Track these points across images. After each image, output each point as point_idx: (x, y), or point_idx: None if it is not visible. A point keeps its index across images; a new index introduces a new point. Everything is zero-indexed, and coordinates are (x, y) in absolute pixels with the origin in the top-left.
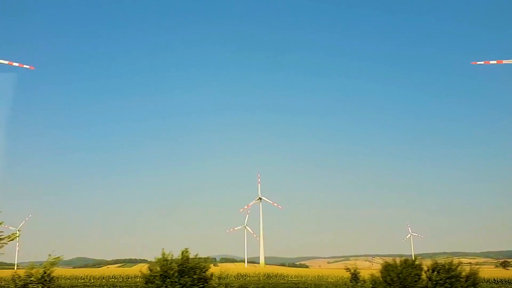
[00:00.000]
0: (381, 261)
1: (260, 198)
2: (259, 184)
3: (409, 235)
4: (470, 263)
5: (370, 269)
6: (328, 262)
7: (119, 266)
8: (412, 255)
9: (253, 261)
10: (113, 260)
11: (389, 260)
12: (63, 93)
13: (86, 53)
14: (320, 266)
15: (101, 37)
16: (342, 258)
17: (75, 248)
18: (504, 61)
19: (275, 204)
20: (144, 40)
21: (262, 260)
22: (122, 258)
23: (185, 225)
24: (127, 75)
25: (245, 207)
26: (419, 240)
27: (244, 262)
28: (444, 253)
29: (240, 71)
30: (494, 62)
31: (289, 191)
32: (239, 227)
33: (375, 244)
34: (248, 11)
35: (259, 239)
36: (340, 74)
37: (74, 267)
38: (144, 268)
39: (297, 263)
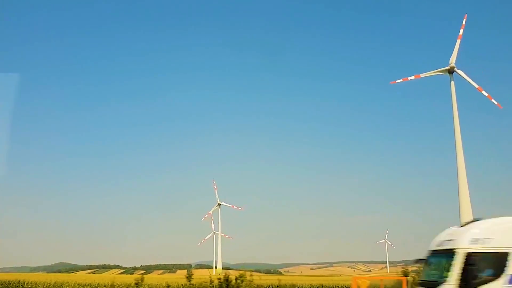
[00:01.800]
0: (364, 268)
1: (219, 204)
2: (216, 191)
3: (383, 240)
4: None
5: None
6: (312, 269)
7: (91, 272)
8: (387, 261)
9: (228, 267)
10: (87, 265)
11: (371, 266)
12: (61, 96)
13: (85, 55)
14: (302, 272)
15: (99, 40)
16: (326, 265)
17: (57, 253)
18: (422, 75)
19: (234, 207)
20: (141, 42)
21: (219, 266)
22: (96, 263)
23: (164, 232)
24: (123, 77)
25: (206, 216)
26: (399, 246)
27: (219, 268)
28: None
29: (236, 74)
30: (412, 77)
31: (275, 196)
32: (209, 235)
33: (358, 251)
34: (246, 14)
35: (218, 244)
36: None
37: (47, 272)
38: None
39: (272, 270)
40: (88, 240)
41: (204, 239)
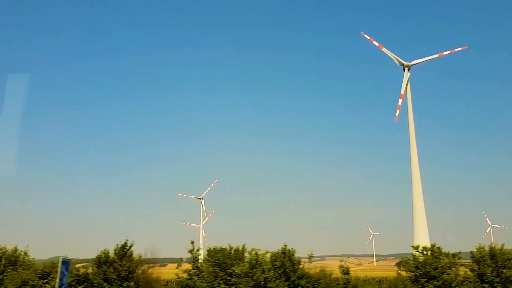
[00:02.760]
0: (355, 261)
1: (200, 198)
2: (210, 188)
3: (371, 236)
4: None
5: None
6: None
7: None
8: (373, 255)
9: None
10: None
11: (362, 260)
12: (66, 93)
13: (85, 52)
14: None
15: (104, 36)
16: (319, 258)
17: (54, 246)
18: (384, 49)
19: (206, 212)
20: (145, 40)
21: (201, 261)
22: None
23: (157, 225)
24: (127, 76)
25: (184, 195)
26: (385, 240)
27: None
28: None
29: (239, 72)
30: (376, 44)
31: (269, 187)
32: (195, 225)
33: (351, 245)
34: (249, 12)
35: (199, 238)
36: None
37: None
38: None
39: None
40: (82, 234)
41: (189, 223)
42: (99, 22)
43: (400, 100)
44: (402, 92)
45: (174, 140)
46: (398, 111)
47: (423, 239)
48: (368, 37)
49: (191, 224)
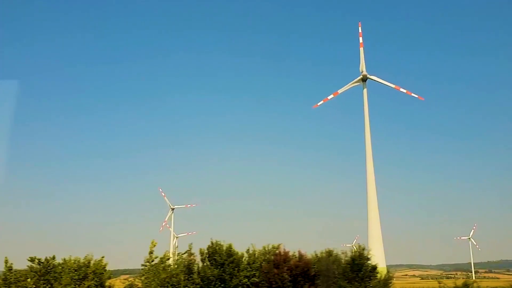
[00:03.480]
0: None
1: (172, 208)
2: (185, 206)
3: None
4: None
5: None
6: None
7: None
8: None
9: None
10: None
11: None
12: (55, 100)
13: (83, 58)
14: None
15: (96, 42)
16: None
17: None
18: (339, 91)
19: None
20: (142, 45)
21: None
22: None
23: (135, 235)
24: (122, 80)
25: (162, 193)
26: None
27: None
28: (400, 265)
29: (235, 77)
30: (331, 96)
31: (249, 200)
32: (171, 229)
33: None
34: (245, 18)
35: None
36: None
37: None
38: None
39: None
40: (58, 244)
41: (168, 226)
42: (91, 28)
43: (331, 96)
44: (339, 91)
45: (166, 146)
46: (321, 102)
47: (378, 249)
48: (360, 30)
49: (169, 227)
